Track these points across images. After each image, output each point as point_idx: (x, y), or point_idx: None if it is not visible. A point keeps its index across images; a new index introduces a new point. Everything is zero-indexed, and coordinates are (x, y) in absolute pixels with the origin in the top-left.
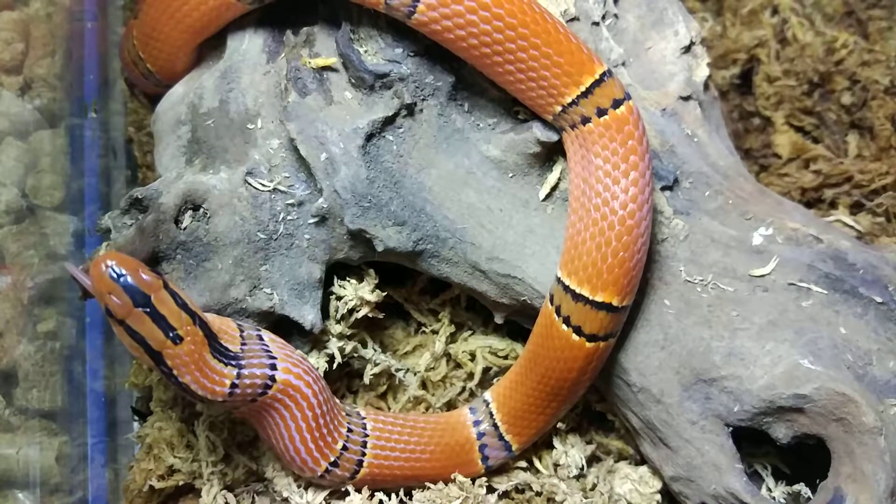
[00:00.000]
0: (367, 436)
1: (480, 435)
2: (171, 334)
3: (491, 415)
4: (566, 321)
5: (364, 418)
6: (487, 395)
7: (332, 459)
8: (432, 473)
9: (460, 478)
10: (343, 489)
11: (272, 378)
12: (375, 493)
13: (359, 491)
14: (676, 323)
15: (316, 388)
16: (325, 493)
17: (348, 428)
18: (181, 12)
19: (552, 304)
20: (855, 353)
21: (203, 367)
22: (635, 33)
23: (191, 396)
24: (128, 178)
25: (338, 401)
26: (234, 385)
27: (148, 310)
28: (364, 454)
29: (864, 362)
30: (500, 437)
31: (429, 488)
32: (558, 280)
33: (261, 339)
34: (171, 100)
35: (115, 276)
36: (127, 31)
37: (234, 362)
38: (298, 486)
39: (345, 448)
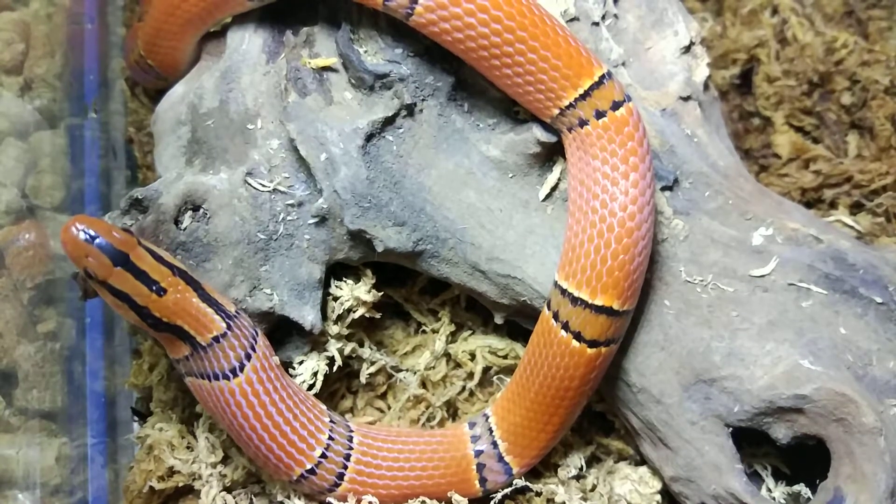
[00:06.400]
0: (351, 449)
1: (478, 453)
2: (153, 287)
3: (490, 431)
4: (565, 327)
5: (352, 431)
6: (488, 410)
7: (310, 467)
8: (425, 494)
9: (457, 496)
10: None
11: (251, 348)
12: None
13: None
14: (676, 323)
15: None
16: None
17: (329, 436)
18: (182, 8)
19: (549, 309)
20: (855, 354)
21: (192, 310)
22: (635, 33)
23: (185, 342)
24: (128, 178)
25: (324, 407)
26: (228, 326)
27: (129, 267)
28: (346, 467)
29: (864, 362)
30: (500, 458)
31: None
32: (556, 284)
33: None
34: (170, 100)
35: (89, 238)
36: (132, 30)
37: (223, 315)
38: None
39: (324, 456)
